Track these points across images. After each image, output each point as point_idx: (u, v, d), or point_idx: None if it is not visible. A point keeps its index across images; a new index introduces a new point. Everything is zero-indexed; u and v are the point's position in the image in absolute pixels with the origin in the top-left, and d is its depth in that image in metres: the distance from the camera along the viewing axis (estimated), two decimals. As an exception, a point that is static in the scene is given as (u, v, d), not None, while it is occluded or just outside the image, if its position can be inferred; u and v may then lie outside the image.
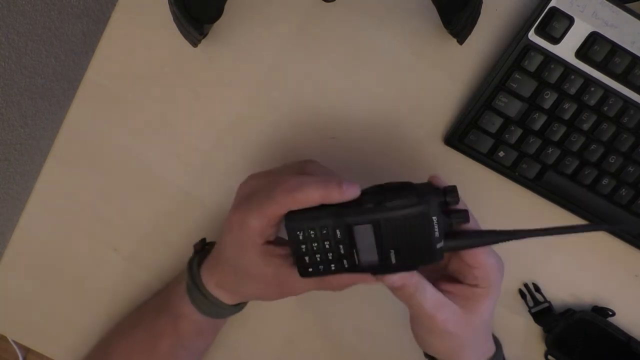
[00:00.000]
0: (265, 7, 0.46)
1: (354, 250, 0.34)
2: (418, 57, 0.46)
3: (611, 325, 0.48)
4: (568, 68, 0.43)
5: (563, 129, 0.44)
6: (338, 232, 0.34)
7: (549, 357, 0.49)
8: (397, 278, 0.34)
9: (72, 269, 0.49)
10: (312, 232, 0.34)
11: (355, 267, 0.35)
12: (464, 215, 0.35)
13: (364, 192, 0.34)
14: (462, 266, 0.37)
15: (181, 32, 0.43)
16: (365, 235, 0.33)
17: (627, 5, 0.43)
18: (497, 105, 0.44)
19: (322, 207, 0.34)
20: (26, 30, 0.69)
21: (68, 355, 0.50)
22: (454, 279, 0.38)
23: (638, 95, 0.44)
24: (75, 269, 0.49)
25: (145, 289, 0.49)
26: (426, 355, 0.42)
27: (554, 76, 0.43)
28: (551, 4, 0.42)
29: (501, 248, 0.39)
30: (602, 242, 0.48)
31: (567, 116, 0.44)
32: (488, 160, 0.46)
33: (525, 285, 0.49)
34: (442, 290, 0.36)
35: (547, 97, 0.44)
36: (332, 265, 0.35)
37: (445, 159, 0.47)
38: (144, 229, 0.49)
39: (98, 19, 0.84)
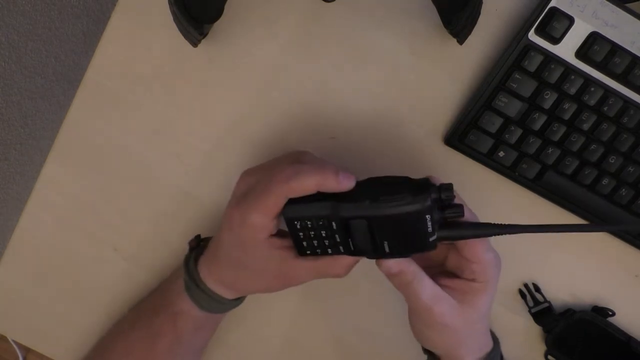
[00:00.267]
0: (265, 7, 0.46)
1: (349, 240, 0.35)
2: (418, 57, 0.46)
3: (611, 325, 0.48)
4: (568, 68, 0.43)
5: (563, 129, 0.44)
6: (334, 224, 0.35)
7: (549, 357, 0.49)
8: (393, 263, 0.35)
9: (72, 269, 0.49)
10: (309, 222, 0.35)
11: (351, 253, 0.36)
12: (460, 210, 0.35)
13: (359, 184, 0.35)
14: (460, 261, 0.37)
15: (181, 32, 0.43)
16: (359, 229, 0.34)
17: (627, 5, 0.43)
18: (497, 105, 0.44)
19: (319, 198, 0.35)
20: (26, 30, 0.69)
21: (68, 355, 0.50)
22: (452, 275, 0.38)
23: (638, 95, 0.44)
24: (75, 269, 0.49)
25: (145, 289, 0.49)
26: (424, 349, 0.42)
27: (554, 76, 0.43)
28: (551, 4, 0.42)
29: (501, 248, 0.39)
30: (602, 242, 0.48)
31: (567, 116, 0.44)
32: (488, 160, 0.46)
33: (525, 285, 0.49)
34: (440, 285, 0.37)
35: (547, 97, 0.44)
36: (329, 250, 0.37)
37: (445, 159, 0.47)
38: (144, 229, 0.49)
39: (98, 19, 0.83)
